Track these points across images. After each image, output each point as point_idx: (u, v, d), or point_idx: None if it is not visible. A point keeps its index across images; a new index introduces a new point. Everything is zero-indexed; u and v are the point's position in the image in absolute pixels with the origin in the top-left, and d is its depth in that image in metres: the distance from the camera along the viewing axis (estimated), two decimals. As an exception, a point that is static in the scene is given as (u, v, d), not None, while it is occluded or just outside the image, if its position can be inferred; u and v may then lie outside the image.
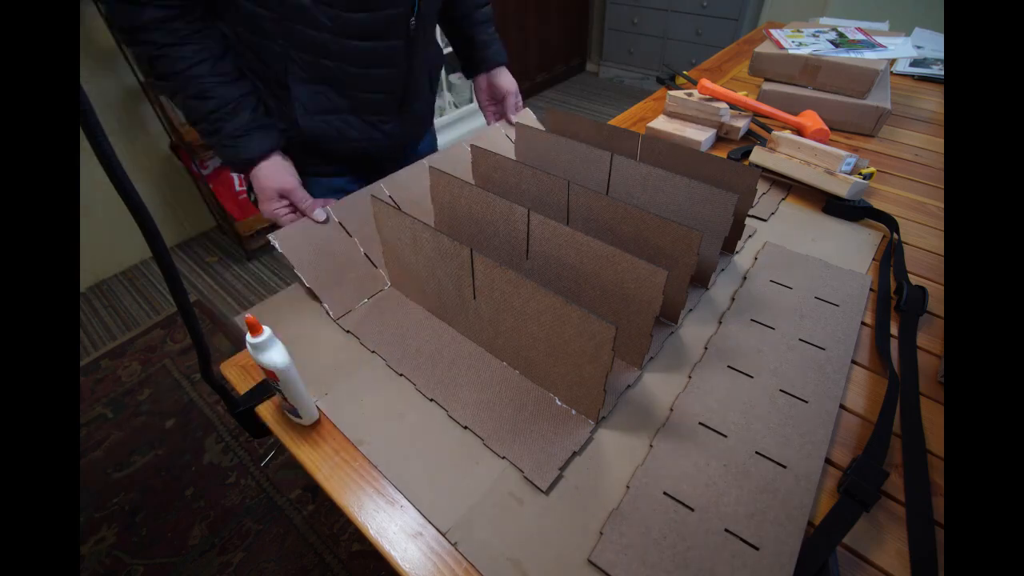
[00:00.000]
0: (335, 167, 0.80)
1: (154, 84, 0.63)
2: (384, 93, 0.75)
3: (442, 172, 0.64)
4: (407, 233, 0.58)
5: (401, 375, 0.57)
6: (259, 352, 0.46)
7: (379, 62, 0.70)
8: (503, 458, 0.49)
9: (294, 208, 0.68)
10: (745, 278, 0.68)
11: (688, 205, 0.62)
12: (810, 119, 0.96)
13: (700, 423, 0.51)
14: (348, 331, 0.62)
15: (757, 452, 0.49)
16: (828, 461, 0.49)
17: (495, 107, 0.94)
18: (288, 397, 0.49)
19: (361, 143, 0.77)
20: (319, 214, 0.66)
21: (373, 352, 0.60)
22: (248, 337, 0.45)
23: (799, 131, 0.96)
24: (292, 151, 0.71)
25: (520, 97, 0.93)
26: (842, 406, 0.54)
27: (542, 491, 0.46)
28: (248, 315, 0.46)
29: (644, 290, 0.50)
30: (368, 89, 0.72)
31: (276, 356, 0.46)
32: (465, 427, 0.52)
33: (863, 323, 0.62)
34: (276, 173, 0.67)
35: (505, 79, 0.91)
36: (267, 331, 0.45)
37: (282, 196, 0.67)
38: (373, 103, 0.75)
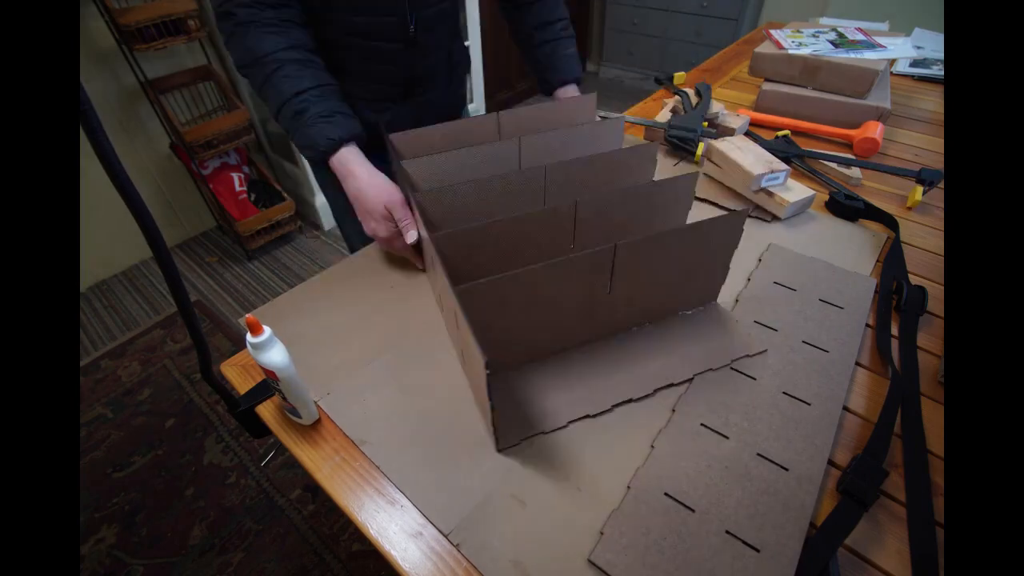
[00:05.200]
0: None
1: (238, 69, 0.66)
2: (386, 85, 0.80)
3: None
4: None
5: (407, 378, 0.57)
6: (259, 352, 0.46)
7: (379, 59, 0.76)
8: (512, 459, 0.49)
9: (395, 226, 0.65)
10: (749, 279, 0.68)
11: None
12: (863, 131, 0.94)
13: (702, 424, 0.51)
14: (353, 333, 0.62)
15: (759, 454, 0.49)
16: (830, 462, 0.49)
17: None
18: (288, 397, 0.49)
19: (368, 126, 0.74)
20: (412, 236, 0.64)
21: (378, 353, 0.60)
22: (248, 337, 0.45)
23: (850, 143, 0.96)
24: None
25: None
26: (844, 407, 0.54)
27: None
28: (248, 315, 0.46)
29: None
30: (371, 81, 0.79)
31: (276, 356, 0.46)
32: (474, 432, 0.51)
33: (865, 324, 0.62)
34: (377, 183, 0.65)
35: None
36: (267, 331, 0.45)
37: (387, 210, 0.64)
38: (375, 92, 0.80)
